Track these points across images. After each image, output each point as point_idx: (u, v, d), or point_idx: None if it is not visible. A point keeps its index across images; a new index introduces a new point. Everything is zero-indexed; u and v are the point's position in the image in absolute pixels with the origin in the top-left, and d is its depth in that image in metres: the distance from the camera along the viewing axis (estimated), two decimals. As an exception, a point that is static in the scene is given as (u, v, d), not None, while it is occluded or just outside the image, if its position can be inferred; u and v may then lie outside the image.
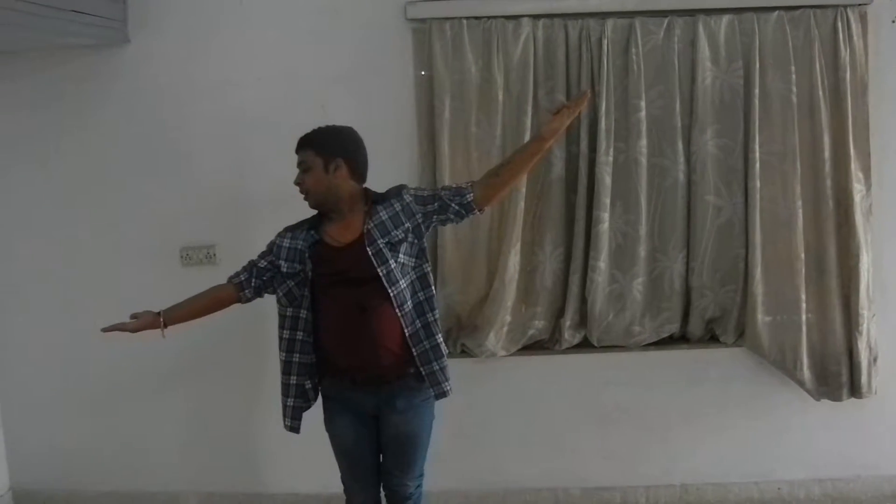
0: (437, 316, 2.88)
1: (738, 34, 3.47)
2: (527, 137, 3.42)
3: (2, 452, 4.01)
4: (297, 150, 2.87)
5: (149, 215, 3.78)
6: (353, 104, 3.53)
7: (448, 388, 2.89)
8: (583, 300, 3.62)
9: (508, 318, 3.60)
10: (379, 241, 2.77)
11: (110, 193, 3.79)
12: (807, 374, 3.55)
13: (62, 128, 3.79)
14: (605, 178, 3.49)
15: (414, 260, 2.84)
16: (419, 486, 3.05)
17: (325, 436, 2.99)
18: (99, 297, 3.78)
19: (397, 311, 2.78)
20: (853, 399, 3.56)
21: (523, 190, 3.50)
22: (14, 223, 3.87)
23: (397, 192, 2.88)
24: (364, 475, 3.02)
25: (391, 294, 2.76)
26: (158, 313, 2.91)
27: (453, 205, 2.84)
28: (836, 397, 3.55)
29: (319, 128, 2.88)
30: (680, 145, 3.51)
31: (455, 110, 3.52)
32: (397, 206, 2.83)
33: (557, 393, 3.71)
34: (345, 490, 3.08)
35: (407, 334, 2.81)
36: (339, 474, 3.06)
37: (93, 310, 3.66)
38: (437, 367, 2.86)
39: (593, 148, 3.51)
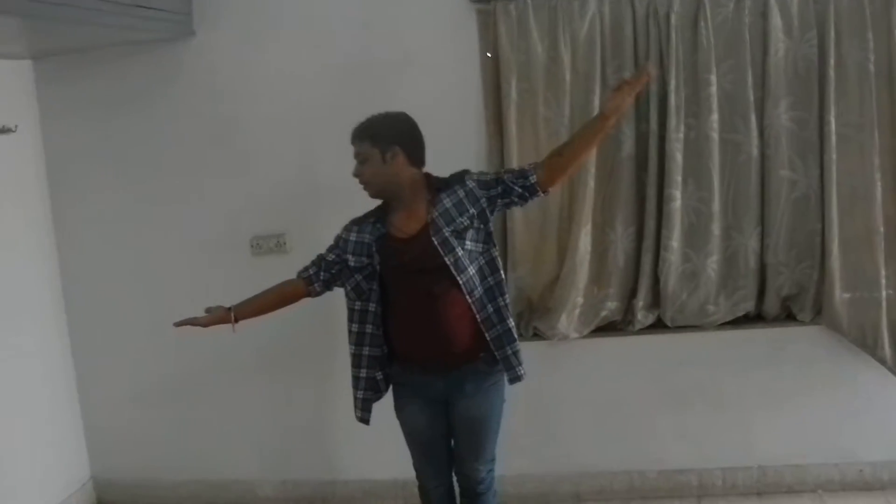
0: (507, 300, 2.86)
1: (811, 2, 3.37)
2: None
3: (82, 443, 4.11)
4: (353, 142, 2.84)
5: (219, 206, 3.83)
6: (420, 88, 3.54)
7: (522, 372, 2.87)
8: (655, 280, 3.57)
9: (580, 300, 3.57)
10: (444, 230, 2.75)
11: (180, 186, 3.85)
12: (888, 351, 3.44)
13: (131, 123, 3.85)
14: (676, 156, 3.43)
15: (481, 245, 2.82)
16: (491, 470, 3.03)
17: (397, 422, 3.00)
18: (173, 288, 3.86)
19: (467, 297, 2.76)
20: (937, 377, 3.45)
21: (592, 170, 3.46)
22: (87, 220, 3.95)
23: (460, 177, 2.85)
24: (436, 461, 3.02)
25: (460, 281, 2.74)
26: (230, 308, 2.94)
27: (517, 188, 2.80)
28: (918, 375, 3.45)
29: (372, 117, 2.84)
30: (753, 119, 3.44)
31: (522, 91, 3.50)
32: (461, 193, 2.80)
33: (631, 374, 3.67)
34: (417, 476, 3.08)
35: (479, 320, 2.79)
36: (411, 460, 3.07)
37: (168, 301, 3.74)
38: (511, 352, 2.84)
39: (663, 125, 3.45)
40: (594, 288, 3.61)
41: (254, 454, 3.98)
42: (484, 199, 2.80)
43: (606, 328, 3.67)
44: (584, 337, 3.62)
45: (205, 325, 2.93)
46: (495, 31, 3.48)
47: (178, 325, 2.92)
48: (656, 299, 3.61)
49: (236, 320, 2.94)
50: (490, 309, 2.81)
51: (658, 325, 3.64)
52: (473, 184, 2.82)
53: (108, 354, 4.01)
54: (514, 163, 3.44)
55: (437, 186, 2.84)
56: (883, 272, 3.42)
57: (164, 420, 4.01)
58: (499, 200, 2.83)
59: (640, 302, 3.58)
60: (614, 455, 3.73)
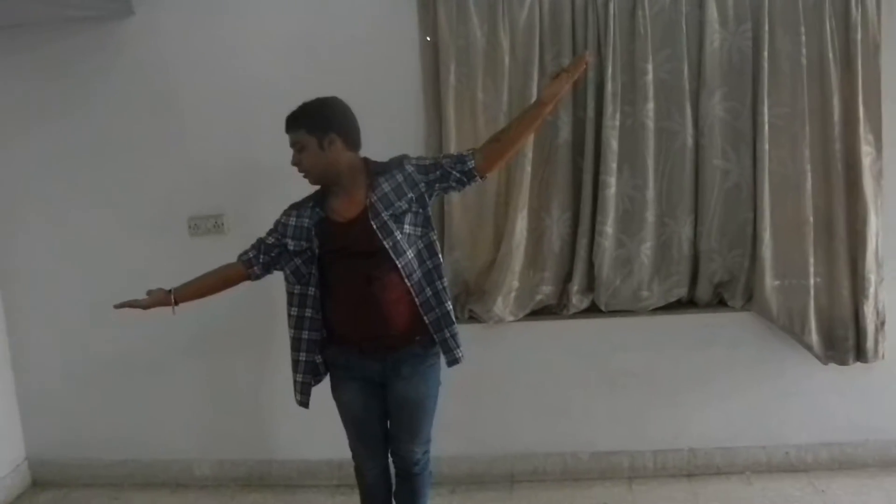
0: (445, 283, 2.88)
1: (747, -5, 3.43)
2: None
3: (17, 424, 4.07)
4: (288, 131, 2.83)
5: (156, 186, 3.80)
6: (359, 71, 3.54)
7: (460, 354, 2.90)
8: (590, 265, 3.61)
9: (516, 284, 3.61)
10: (383, 214, 2.76)
11: (118, 165, 3.81)
12: (814, 338, 3.54)
13: (68, 101, 3.79)
14: (612, 143, 3.47)
15: (420, 229, 2.83)
16: (427, 451, 3.06)
17: (334, 404, 3.01)
18: (109, 268, 3.84)
19: (406, 280, 2.78)
20: (860, 364, 3.55)
21: (530, 155, 3.49)
22: (22, 198, 3.90)
23: (399, 162, 2.86)
24: (372, 442, 3.04)
25: (399, 265, 2.76)
26: (170, 291, 2.95)
27: (455, 172, 2.82)
28: (842, 361, 3.54)
29: (304, 104, 2.83)
30: (688, 109, 3.49)
31: (461, 76, 3.51)
32: (399, 177, 2.82)
33: (565, 358, 3.71)
34: (353, 457, 3.10)
35: (418, 303, 2.81)
36: (347, 441, 3.08)
37: (104, 280, 3.76)
38: (449, 335, 2.87)
39: (600, 112, 3.48)
40: (530, 272, 3.65)
41: (191, 434, 3.98)
42: (422, 184, 2.82)
43: (541, 312, 3.70)
44: (520, 320, 3.65)
45: (145, 308, 2.95)
46: (435, 15, 3.49)
47: (118, 307, 2.93)
48: (591, 284, 3.65)
49: (176, 303, 2.96)
50: (428, 292, 2.83)
51: (592, 310, 3.68)
52: (412, 168, 2.84)
53: (44, 335, 3.98)
54: (453, 148, 3.46)
55: (376, 171, 2.84)
56: (812, 261, 3.50)
57: (101, 400, 3.98)
58: (437, 185, 2.85)
59: (575, 286, 3.62)
60: (548, 437, 3.77)
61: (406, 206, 2.79)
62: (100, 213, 3.85)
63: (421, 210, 2.83)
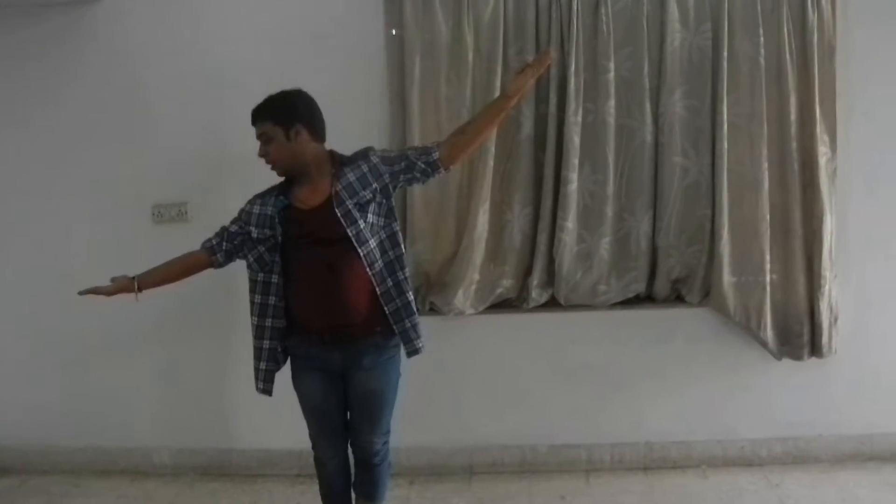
0: (407, 274, 2.91)
1: (707, -4, 3.49)
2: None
3: (-25, 408, 4.04)
4: (254, 123, 2.86)
5: (122, 173, 3.79)
6: (325, 63, 3.57)
7: (420, 345, 2.93)
8: (550, 259, 3.65)
9: (477, 277, 3.64)
10: (347, 202, 2.79)
11: (83, 151, 3.81)
12: (770, 334, 3.60)
13: (34, 86, 3.80)
14: (574, 139, 3.51)
15: (383, 220, 2.86)
16: (386, 442, 3.08)
17: (294, 393, 3.02)
18: (72, 255, 3.83)
19: (368, 270, 2.80)
20: (814, 359, 3.61)
21: (492, 149, 3.53)
22: (-13, 180, 3.88)
23: (364, 153, 2.90)
24: (331, 432, 3.06)
25: (361, 254, 2.79)
26: (133, 278, 2.96)
27: (419, 163, 2.85)
28: (797, 356, 3.60)
29: (270, 96, 2.87)
30: (648, 106, 3.55)
31: (425, 69, 3.54)
32: (364, 168, 2.85)
33: (524, 351, 3.75)
34: (313, 447, 3.11)
35: (379, 293, 2.84)
36: (308, 431, 3.09)
37: (66, 266, 3.75)
38: (409, 325, 2.90)
39: (562, 108, 3.54)
40: (490, 265, 3.68)
41: (151, 422, 3.97)
42: (387, 175, 2.86)
43: (502, 305, 3.74)
44: (480, 313, 3.69)
45: (108, 295, 2.95)
46: (401, 9, 3.53)
47: (82, 293, 2.93)
48: (551, 278, 3.69)
49: (140, 290, 2.96)
50: (390, 282, 2.86)
51: (552, 304, 3.73)
52: (377, 159, 2.87)
53: (5, 319, 3.96)
54: (417, 140, 3.49)
55: (341, 161, 2.88)
56: (768, 258, 3.56)
57: (61, 386, 3.97)
58: (401, 176, 2.88)
59: (535, 280, 3.66)
60: (507, 429, 3.80)
61: (370, 195, 2.82)
62: (63, 197, 3.85)
63: (385, 200, 2.86)
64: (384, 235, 2.87)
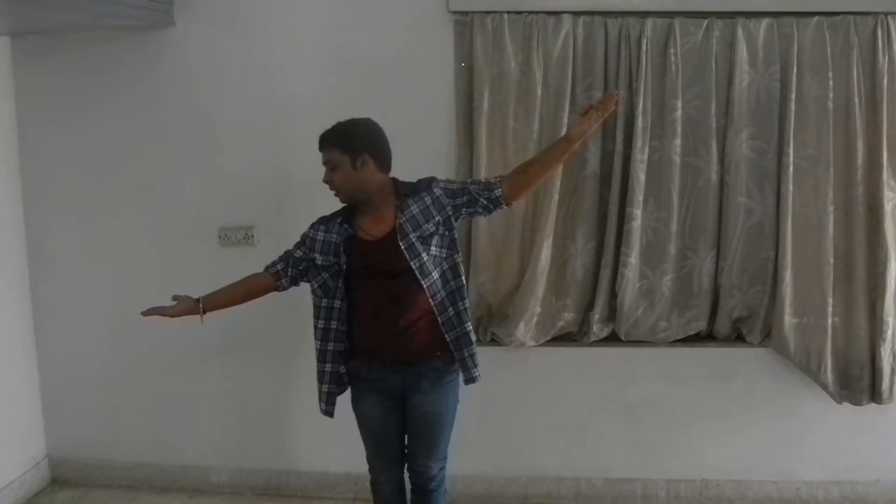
0: (467, 305, 2.95)
1: (776, 38, 3.49)
2: (563, 133, 3.49)
3: (39, 421, 4.12)
4: (322, 149, 2.90)
5: (189, 196, 3.87)
6: (394, 92, 3.62)
7: (477, 374, 2.96)
8: (612, 294, 3.67)
9: (538, 309, 3.66)
10: (411, 235, 2.82)
11: (151, 173, 3.88)
12: (830, 377, 3.58)
13: (105, 107, 3.88)
14: (640, 175, 3.53)
15: (445, 251, 2.90)
16: (443, 468, 3.10)
17: (353, 416, 3.06)
18: (139, 273, 3.90)
19: (430, 300, 2.84)
20: (874, 404, 3.58)
21: (558, 184, 3.55)
22: (57, 201, 3.97)
23: (427, 185, 2.92)
24: (388, 455, 3.09)
25: (424, 285, 2.83)
26: (198, 299, 2.99)
27: (482, 199, 2.89)
28: (857, 401, 3.58)
29: (340, 124, 2.90)
30: (714, 146, 3.55)
31: (494, 103, 3.57)
32: (427, 200, 2.88)
33: (583, 384, 3.77)
34: (370, 469, 3.14)
35: (440, 321, 2.88)
36: (365, 454, 3.13)
37: (133, 285, 3.81)
38: (468, 354, 2.93)
39: (629, 145, 3.56)
40: (552, 298, 3.71)
41: (210, 441, 4.03)
42: (450, 207, 2.89)
43: (562, 338, 3.76)
44: (540, 345, 3.71)
45: (173, 316, 2.97)
46: (471, 42, 3.56)
47: (145, 314, 2.95)
48: (612, 313, 3.71)
49: (205, 311, 2.99)
50: (451, 312, 2.90)
51: (612, 339, 3.74)
52: (440, 191, 2.90)
53: (70, 335, 4.04)
54: (483, 172, 3.53)
55: (405, 192, 2.91)
56: (830, 300, 3.54)
57: (124, 402, 4.04)
58: (464, 209, 2.92)
59: (597, 315, 3.68)
60: (563, 461, 3.82)
61: (433, 228, 2.86)
62: (132, 218, 3.92)
63: (447, 232, 2.90)
64: (446, 266, 2.90)
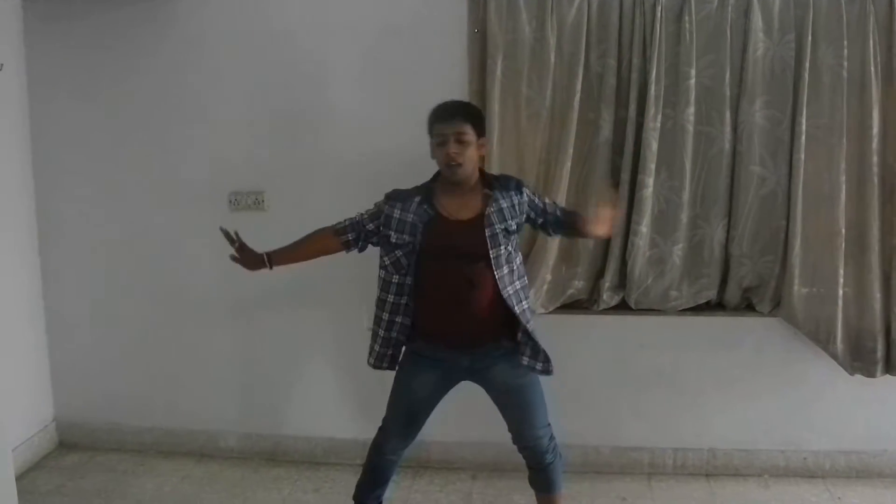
0: (528, 304, 2.97)
1: (792, 6, 3.46)
2: (577, 100, 3.54)
3: (48, 385, 4.14)
4: (454, 121, 2.85)
5: (200, 160, 3.87)
6: (407, 58, 3.61)
7: (551, 367, 2.99)
8: (623, 263, 3.67)
9: (549, 277, 3.66)
10: (496, 226, 2.85)
11: (162, 136, 3.88)
12: (840, 347, 3.57)
13: (119, 72, 3.87)
14: (652, 144, 3.52)
15: (514, 252, 2.94)
16: (552, 437, 3.07)
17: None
18: (147, 238, 3.92)
19: (503, 291, 2.86)
20: (887, 376, 3.57)
21: (570, 151, 3.54)
22: (65, 164, 3.97)
23: (518, 185, 2.96)
24: (411, 424, 3.09)
25: (497, 276, 2.85)
26: (262, 256, 3.04)
27: (543, 222, 3.04)
28: (870, 373, 3.56)
29: (466, 103, 2.99)
30: (727, 115, 3.53)
31: (507, 70, 3.55)
32: (516, 200, 2.92)
33: (593, 352, 3.77)
34: (380, 431, 3.12)
35: (516, 313, 2.89)
36: (374, 421, 3.11)
37: (143, 247, 3.84)
38: (542, 347, 2.97)
39: (641, 113, 3.54)
40: (563, 266, 3.71)
41: (218, 405, 4.04)
42: (524, 216, 2.96)
43: (572, 306, 3.76)
44: (550, 312, 3.70)
45: (245, 267, 3.06)
46: (485, 8, 3.54)
47: (225, 231, 3.04)
48: (622, 281, 3.71)
49: (271, 267, 3.05)
50: (517, 309, 2.90)
51: (622, 307, 3.74)
52: (528, 199, 2.97)
53: (78, 299, 4.05)
54: (495, 138, 3.54)
55: (493, 183, 2.95)
56: (841, 271, 3.53)
57: (131, 366, 4.06)
58: (529, 222, 3.02)
59: (607, 283, 3.68)
60: (570, 429, 3.73)
61: (515, 227, 2.91)
62: (142, 182, 3.92)
63: (517, 236, 2.95)
64: (515, 265, 2.94)
